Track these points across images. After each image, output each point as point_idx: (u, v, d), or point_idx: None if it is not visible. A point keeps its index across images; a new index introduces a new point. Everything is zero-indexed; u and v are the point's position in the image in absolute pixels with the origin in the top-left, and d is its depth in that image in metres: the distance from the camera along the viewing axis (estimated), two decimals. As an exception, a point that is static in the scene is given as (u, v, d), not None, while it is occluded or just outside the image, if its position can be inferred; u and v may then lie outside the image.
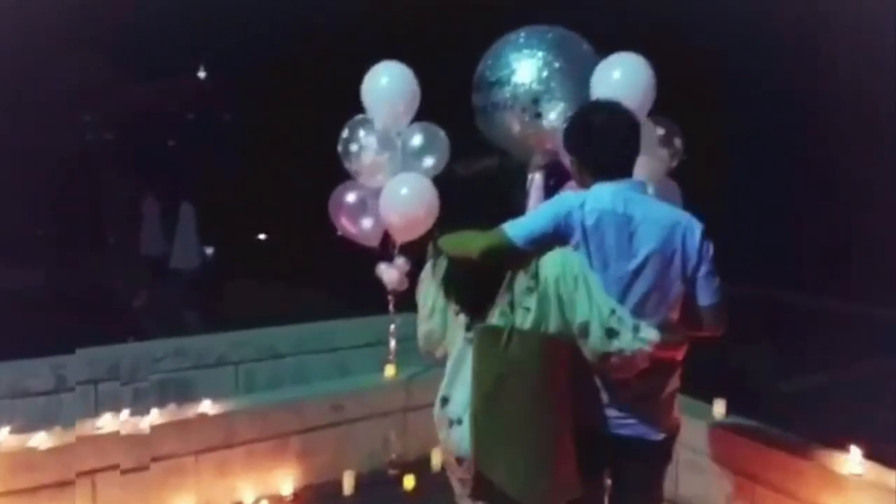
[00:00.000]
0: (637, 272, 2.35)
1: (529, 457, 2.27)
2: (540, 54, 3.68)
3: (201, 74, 12.46)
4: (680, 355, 2.50)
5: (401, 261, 4.25)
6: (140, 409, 4.05)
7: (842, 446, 3.33)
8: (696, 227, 2.39)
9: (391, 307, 4.38)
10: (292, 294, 9.21)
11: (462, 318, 2.46)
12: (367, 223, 4.17)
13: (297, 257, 9.37)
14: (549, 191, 3.93)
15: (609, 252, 2.36)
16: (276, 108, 10.35)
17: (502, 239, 2.38)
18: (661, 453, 2.53)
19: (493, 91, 3.81)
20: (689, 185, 3.70)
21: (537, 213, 2.48)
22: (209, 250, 11.17)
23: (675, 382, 2.52)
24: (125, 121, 11.01)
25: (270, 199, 9.93)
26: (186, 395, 4.74)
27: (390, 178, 4.02)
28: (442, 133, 4.13)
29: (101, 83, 10.35)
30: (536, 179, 3.96)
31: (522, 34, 3.78)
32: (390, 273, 4.22)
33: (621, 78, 3.44)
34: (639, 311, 2.35)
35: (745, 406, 3.99)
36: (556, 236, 2.38)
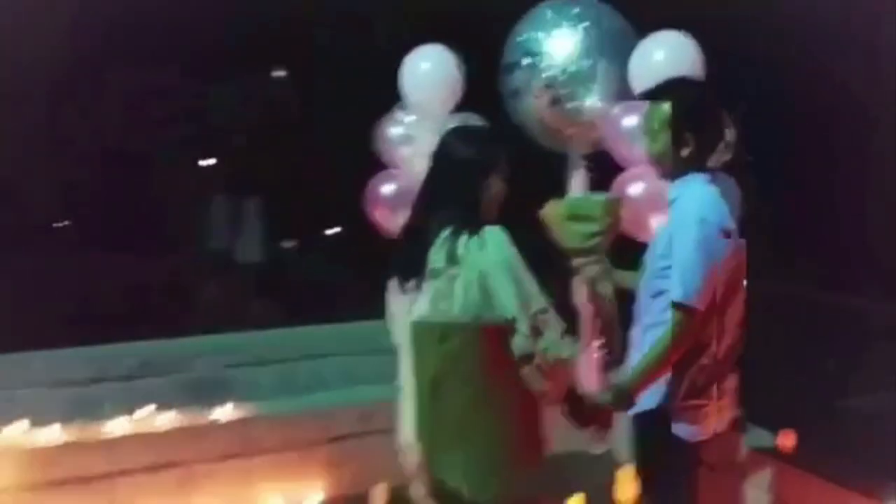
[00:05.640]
0: None
1: (479, 455, 2.16)
2: (563, 30, 3.29)
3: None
4: None
5: None
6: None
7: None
8: None
9: None
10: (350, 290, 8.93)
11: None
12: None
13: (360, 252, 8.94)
14: (594, 186, 3.63)
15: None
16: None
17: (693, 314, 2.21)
18: None
19: (512, 75, 3.48)
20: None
21: (696, 263, 2.21)
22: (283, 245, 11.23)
23: None
24: (194, 121, 11.01)
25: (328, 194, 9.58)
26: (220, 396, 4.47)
27: None
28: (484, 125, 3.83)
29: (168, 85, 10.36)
30: (577, 176, 3.66)
31: (548, 8, 3.39)
32: None
33: (666, 60, 3.07)
34: None
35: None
36: None
